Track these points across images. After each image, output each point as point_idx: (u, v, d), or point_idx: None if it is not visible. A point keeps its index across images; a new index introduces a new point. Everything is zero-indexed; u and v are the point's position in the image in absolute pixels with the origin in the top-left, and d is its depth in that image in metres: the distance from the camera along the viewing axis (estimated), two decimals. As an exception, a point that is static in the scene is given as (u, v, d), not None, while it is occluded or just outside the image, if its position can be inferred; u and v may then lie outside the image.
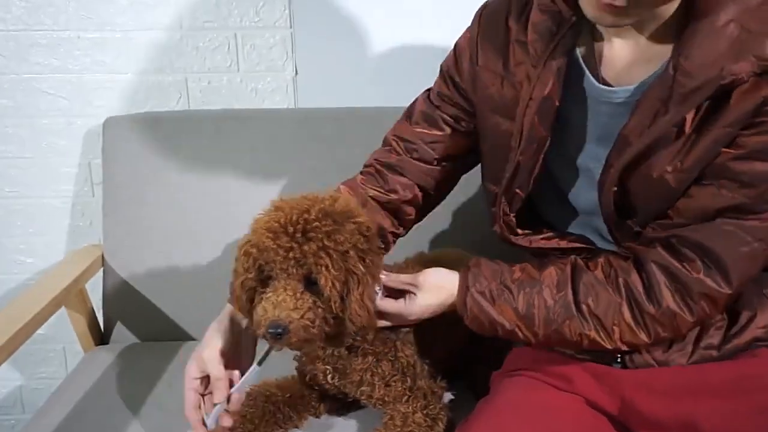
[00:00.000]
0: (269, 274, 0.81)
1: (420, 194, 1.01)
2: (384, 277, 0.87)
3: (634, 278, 0.80)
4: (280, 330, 0.78)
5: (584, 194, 0.88)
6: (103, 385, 1.16)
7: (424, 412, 0.92)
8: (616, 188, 0.81)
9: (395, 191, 1.00)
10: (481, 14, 0.93)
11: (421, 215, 1.05)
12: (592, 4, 0.72)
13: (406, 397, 0.93)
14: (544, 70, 0.81)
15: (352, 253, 0.80)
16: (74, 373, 1.23)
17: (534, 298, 0.82)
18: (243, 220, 1.29)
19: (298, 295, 0.79)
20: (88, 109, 1.44)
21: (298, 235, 0.78)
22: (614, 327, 0.80)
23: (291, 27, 1.40)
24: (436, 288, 0.87)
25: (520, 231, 0.92)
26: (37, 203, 1.50)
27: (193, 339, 1.33)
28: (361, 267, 0.81)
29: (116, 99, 1.44)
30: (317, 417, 1.03)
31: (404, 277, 0.88)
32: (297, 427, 1.00)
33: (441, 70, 0.99)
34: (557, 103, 0.82)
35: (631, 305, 0.80)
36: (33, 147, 1.46)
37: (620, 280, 0.80)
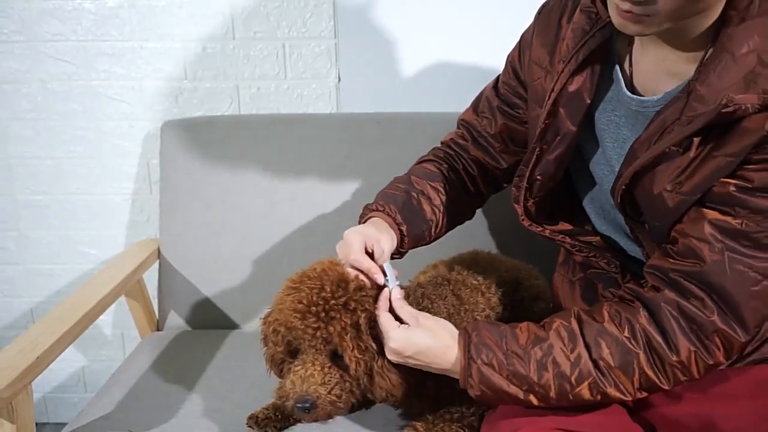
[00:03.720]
0: (297, 347, 0.82)
1: (487, 176, 1.02)
2: (398, 299, 0.82)
3: (648, 325, 0.73)
4: (308, 405, 0.78)
5: (608, 190, 0.86)
6: (158, 368, 1.18)
7: (471, 410, 0.90)
8: (625, 197, 0.79)
9: (471, 168, 1.01)
10: (541, 11, 0.92)
11: (488, 192, 1.05)
12: (614, 11, 0.70)
13: (456, 403, 0.91)
14: (568, 65, 0.80)
15: (362, 322, 0.79)
16: (131, 356, 1.25)
17: (546, 362, 0.74)
18: (288, 217, 1.33)
19: (326, 369, 0.79)
20: (148, 113, 1.47)
21: (323, 314, 0.79)
22: (634, 379, 0.73)
23: (335, 37, 1.40)
24: (431, 333, 0.79)
25: (537, 218, 0.91)
26: (101, 200, 1.53)
27: (240, 328, 1.34)
28: (375, 343, 0.80)
29: (173, 104, 1.46)
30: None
31: (409, 309, 0.82)
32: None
33: (507, 61, 0.98)
34: (588, 101, 0.81)
35: (650, 355, 0.73)
36: (98, 148, 1.49)
37: (636, 327, 0.73)
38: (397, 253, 0.92)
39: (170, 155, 1.35)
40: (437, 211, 0.95)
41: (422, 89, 1.42)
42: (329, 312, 0.79)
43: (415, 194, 0.95)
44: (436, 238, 0.98)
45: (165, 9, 1.40)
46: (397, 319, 0.81)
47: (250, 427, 0.95)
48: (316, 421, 0.82)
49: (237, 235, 1.33)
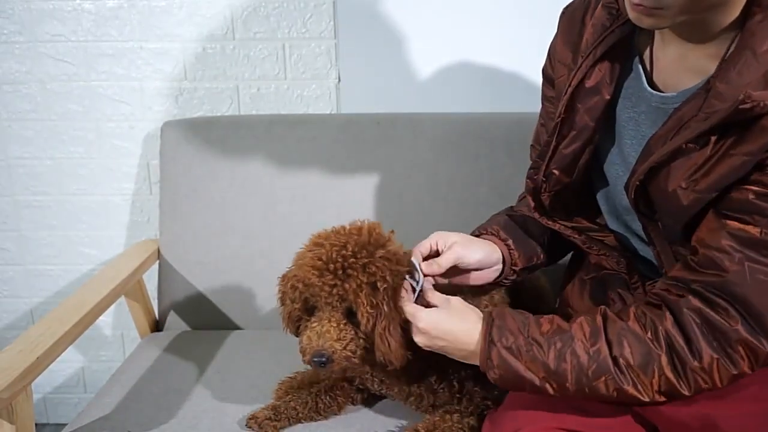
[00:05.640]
0: (314, 305, 0.84)
1: None
2: (429, 288, 0.85)
3: (672, 328, 0.72)
4: (324, 359, 0.81)
5: (621, 192, 0.85)
6: (158, 369, 1.18)
7: (470, 409, 0.91)
8: (638, 193, 0.78)
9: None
10: (564, 12, 0.91)
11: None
12: (628, 5, 0.70)
13: (455, 400, 0.92)
14: (586, 60, 0.80)
15: (380, 285, 0.81)
16: (131, 357, 1.25)
17: (566, 352, 0.74)
18: (288, 217, 1.34)
19: (341, 326, 0.82)
20: (148, 113, 1.47)
21: (340, 272, 0.81)
22: (653, 381, 0.72)
23: (335, 38, 1.41)
24: (459, 315, 0.80)
25: (550, 213, 0.91)
26: (101, 200, 1.54)
27: (240, 328, 1.35)
28: (386, 306, 0.82)
29: (173, 104, 1.46)
30: (354, 404, 1.02)
31: (440, 295, 0.84)
32: (336, 414, 1.00)
33: (542, 75, 0.97)
34: (607, 97, 0.80)
35: (672, 358, 0.72)
36: (98, 148, 1.50)
37: (660, 330, 0.72)
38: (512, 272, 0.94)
39: (170, 155, 1.36)
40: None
41: (422, 90, 1.42)
42: (347, 270, 0.81)
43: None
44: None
45: (165, 9, 1.40)
46: (427, 306, 0.83)
47: (250, 427, 0.95)
48: (332, 374, 0.84)
49: (237, 235, 1.34)
